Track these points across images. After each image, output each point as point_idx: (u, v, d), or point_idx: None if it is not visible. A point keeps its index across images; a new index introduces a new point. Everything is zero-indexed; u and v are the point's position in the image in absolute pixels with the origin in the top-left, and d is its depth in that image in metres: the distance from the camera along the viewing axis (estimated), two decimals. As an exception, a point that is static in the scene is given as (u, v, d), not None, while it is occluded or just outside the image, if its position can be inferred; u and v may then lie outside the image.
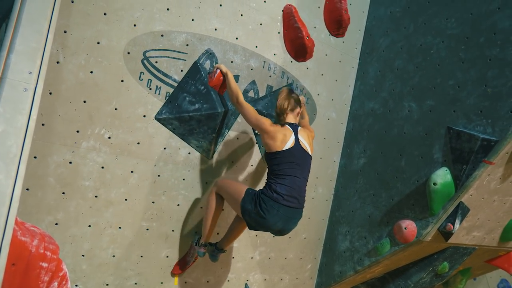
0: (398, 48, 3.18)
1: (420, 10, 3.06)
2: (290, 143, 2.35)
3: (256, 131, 2.91)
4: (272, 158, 2.36)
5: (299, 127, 2.47)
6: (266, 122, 2.35)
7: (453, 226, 2.68)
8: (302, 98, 2.72)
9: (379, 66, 3.32)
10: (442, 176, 2.63)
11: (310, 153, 2.45)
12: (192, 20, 2.60)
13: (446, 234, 2.75)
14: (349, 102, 3.51)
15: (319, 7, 3.20)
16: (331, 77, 3.35)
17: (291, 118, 2.46)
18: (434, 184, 2.63)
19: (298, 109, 2.50)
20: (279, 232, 2.39)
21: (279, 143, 2.33)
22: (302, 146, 2.39)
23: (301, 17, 3.02)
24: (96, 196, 2.40)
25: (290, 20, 2.97)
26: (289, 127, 2.40)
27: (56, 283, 1.85)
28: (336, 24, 3.24)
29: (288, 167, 2.32)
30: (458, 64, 2.70)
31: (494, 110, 2.44)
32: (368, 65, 3.43)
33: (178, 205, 2.70)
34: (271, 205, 2.24)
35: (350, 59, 3.46)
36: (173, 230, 2.71)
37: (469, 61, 2.63)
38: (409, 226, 2.78)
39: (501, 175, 2.65)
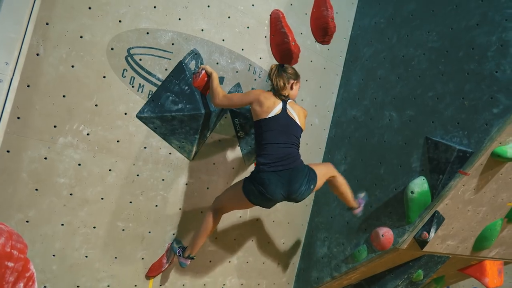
0: (381, 58, 3.24)
1: (403, 23, 3.14)
2: (276, 110, 2.38)
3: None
4: (257, 127, 2.41)
5: (290, 100, 2.49)
6: (253, 92, 2.43)
7: (429, 234, 2.73)
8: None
9: (362, 74, 3.38)
10: (419, 185, 2.68)
11: (298, 122, 2.44)
12: (179, 19, 2.57)
13: (421, 242, 2.80)
14: (332, 109, 3.55)
15: (306, 14, 3.24)
16: (315, 84, 3.38)
17: (284, 92, 2.48)
18: (412, 192, 2.68)
19: (292, 81, 2.52)
20: (292, 198, 2.33)
21: (265, 108, 2.36)
22: (289, 115, 2.41)
23: (288, 22, 3.05)
24: (71, 194, 2.32)
25: (277, 25, 2.99)
26: (277, 97, 2.44)
27: (21, 284, 1.76)
28: (322, 31, 3.28)
29: (269, 135, 2.34)
30: (437, 76, 2.78)
31: (470, 123, 2.52)
32: (352, 73, 3.48)
33: (156, 206, 2.65)
34: (261, 178, 2.27)
35: (335, 66, 3.51)
36: (149, 232, 2.66)
37: (448, 74, 2.71)
38: (386, 233, 2.82)
39: (475, 186, 2.73)
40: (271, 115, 2.37)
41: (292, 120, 2.42)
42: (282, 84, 2.47)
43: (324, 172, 2.54)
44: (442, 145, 2.62)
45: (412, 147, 2.83)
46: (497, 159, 2.56)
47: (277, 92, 2.47)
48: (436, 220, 2.76)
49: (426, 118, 2.78)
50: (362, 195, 2.86)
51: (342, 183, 2.64)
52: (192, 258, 2.58)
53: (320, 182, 2.44)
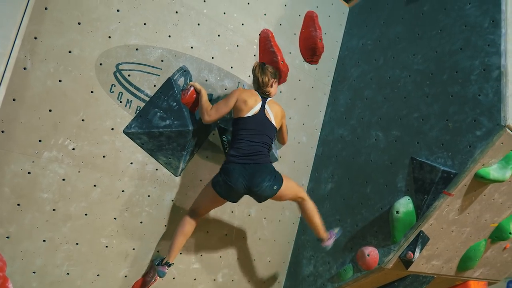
0: (368, 78, 3.31)
1: (389, 45, 3.21)
2: (255, 110, 2.53)
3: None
4: (235, 124, 2.56)
5: (269, 99, 2.63)
6: (235, 93, 2.56)
7: (414, 254, 2.74)
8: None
9: (349, 94, 3.43)
10: (404, 205, 2.71)
11: (274, 124, 2.59)
12: (169, 36, 2.60)
13: (406, 262, 2.81)
14: (320, 127, 3.58)
15: (295, 34, 3.30)
16: (303, 102, 3.42)
17: (264, 90, 2.64)
18: (397, 212, 2.70)
19: (272, 80, 2.65)
20: (253, 192, 2.42)
21: (246, 108, 2.51)
22: (266, 115, 2.56)
23: (277, 42, 3.10)
24: (54, 210, 2.29)
25: (266, 44, 3.03)
26: (259, 96, 2.59)
27: (0, 302, 1.73)
28: (311, 51, 3.34)
29: (245, 132, 2.49)
30: (423, 98, 2.83)
31: (454, 144, 2.57)
32: (339, 93, 3.53)
33: (141, 222, 2.62)
34: (227, 168, 2.44)
35: (323, 85, 3.56)
36: (133, 249, 2.62)
37: (433, 96, 2.77)
38: (371, 253, 2.82)
39: (459, 207, 2.77)
40: (249, 114, 2.52)
41: (267, 121, 2.56)
42: (266, 80, 2.60)
43: (294, 187, 2.63)
44: (427, 166, 2.65)
45: (398, 167, 2.86)
46: (480, 181, 2.60)
47: (261, 88, 2.62)
48: (421, 240, 2.77)
49: (412, 138, 2.82)
50: (336, 230, 2.88)
51: (311, 208, 2.69)
52: (170, 265, 2.54)
53: (287, 192, 2.55)
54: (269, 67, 2.68)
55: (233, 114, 2.59)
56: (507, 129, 2.36)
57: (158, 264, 2.57)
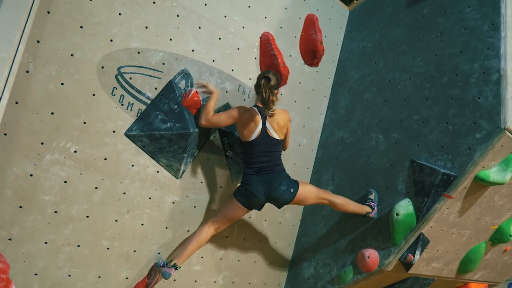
0: (368, 81, 3.32)
1: (390, 48, 3.23)
2: (256, 133, 2.59)
3: (226, 148, 2.94)
4: (243, 145, 2.67)
5: (271, 112, 2.59)
6: (235, 112, 2.60)
7: (414, 256, 2.75)
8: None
9: (350, 97, 3.45)
10: (404, 207, 2.72)
11: (278, 138, 2.64)
12: (170, 39, 2.62)
13: (406, 264, 2.82)
14: (320, 130, 3.60)
15: (295, 37, 3.32)
16: (303, 105, 3.43)
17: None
18: (397, 214, 2.71)
19: (276, 91, 2.62)
20: (273, 197, 2.60)
21: (248, 131, 2.59)
22: (269, 133, 2.61)
23: (277, 45, 3.12)
24: (55, 212, 2.30)
25: (267, 47, 3.05)
26: (258, 114, 2.59)
27: (3, 304, 1.74)
28: (311, 54, 3.36)
29: (253, 154, 2.61)
30: (422, 100, 2.85)
31: (454, 147, 2.58)
32: (340, 95, 3.55)
33: (142, 224, 2.63)
34: (247, 179, 2.61)
35: (323, 88, 3.58)
36: (134, 251, 2.63)
37: (433, 98, 2.79)
38: (372, 255, 2.83)
39: (459, 209, 2.77)
40: (252, 138, 2.59)
41: (271, 138, 2.62)
42: (274, 99, 2.54)
43: (313, 190, 2.75)
44: (427, 168, 2.66)
45: (398, 170, 2.87)
46: (480, 183, 2.61)
47: (266, 105, 2.56)
48: (421, 242, 2.78)
49: (412, 141, 2.84)
50: (372, 196, 2.94)
51: (341, 204, 2.81)
52: (177, 268, 2.55)
53: (307, 195, 2.69)
54: (271, 79, 2.58)
55: (240, 136, 2.66)
56: (507, 132, 2.37)
57: (162, 265, 2.56)
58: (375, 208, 2.88)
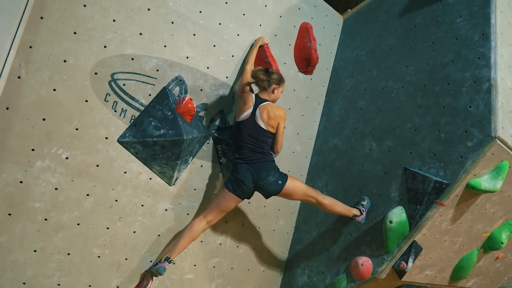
0: (362, 89, 3.34)
1: (383, 56, 3.26)
2: (245, 115, 2.67)
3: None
4: (235, 126, 2.75)
5: (263, 104, 2.67)
6: (243, 89, 2.81)
7: (407, 264, 2.75)
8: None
9: (343, 104, 3.47)
10: (397, 215, 2.72)
11: (264, 127, 2.65)
12: (165, 46, 2.61)
13: (400, 272, 2.82)
14: (314, 137, 3.61)
15: (290, 45, 3.34)
16: (298, 112, 3.44)
17: (264, 94, 2.73)
18: (390, 222, 2.71)
19: (274, 86, 2.74)
20: (260, 186, 2.62)
21: (242, 109, 2.69)
22: (256, 120, 2.65)
23: (272, 52, 3.13)
24: (46, 219, 2.26)
25: (261, 54, 3.06)
26: (253, 100, 2.69)
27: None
28: (305, 62, 3.38)
29: (241, 138, 2.68)
30: (415, 109, 2.87)
31: (446, 155, 2.60)
32: (334, 103, 3.57)
33: (134, 232, 2.60)
34: (235, 167, 2.67)
35: (317, 96, 3.59)
36: (126, 259, 2.59)
37: (425, 107, 2.81)
38: (365, 262, 2.83)
39: (451, 217, 2.79)
40: (241, 118, 2.69)
41: (257, 125, 2.65)
42: (262, 77, 2.69)
43: (302, 186, 2.76)
44: (420, 176, 2.68)
45: (391, 177, 2.88)
46: (472, 191, 2.63)
47: (260, 88, 2.74)
48: (414, 250, 2.78)
49: (405, 149, 2.85)
50: (364, 202, 2.95)
51: (328, 205, 2.80)
52: (170, 261, 2.51)
53: (295, 190, 2.69)
54: (273, 73, 2.74)
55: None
56: (498, 140, 2.40)
57: (157, 263, 2.48)
58: (364, 213, 2.89)
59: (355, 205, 2.93)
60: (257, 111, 2.66)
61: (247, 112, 2.67)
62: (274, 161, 2.72)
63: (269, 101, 2.72)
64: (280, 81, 2.77)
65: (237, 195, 2.66)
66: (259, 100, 2.70)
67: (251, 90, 2.84)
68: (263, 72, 2.72)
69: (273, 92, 2.75)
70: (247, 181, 2.62)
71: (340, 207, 2.83)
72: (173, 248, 2.56)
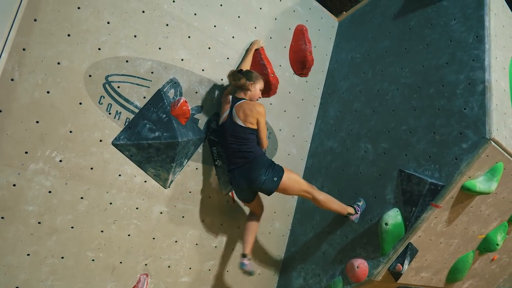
0: (357, 91, 3.35)
1: (378, 58, 3.27)
2: (224, 117, 2.72)
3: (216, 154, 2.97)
4: (218, 131, 2.83)
5: (239, 102, 2.69)
6: (225, 92, 2.86)
7: (402, 266, 2.75)
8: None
9: (339, 107, 3.47)
10: (393, 217, 2.72)
11: (242, 124, 2.64)
12: (159, 48, 2.61)
13: (395, 274, 2.81)
14: (310, 139, 3.60)
15: (285, 47, 3.34)
16: (293, 114, 3.44)
17: (240, 94, 2.74)
18: (386, 224, 2.71)
19: (249, 83, 2.72)
20: (255, 186, 2.63)
21: (221, 115, 2.76)
22: (234, 120, 2.66)
23: (267, 55, 3.13)
24: (39, 223, 2.25)
25: (256, 57, 3.06)
26: (231, 101, 2.73)
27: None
28: (301, 64, 3.38)
29: (224, 140, 2.72)
30: (410, 111, 2.88)
31: (441, 157, 2.60)
32: (329, 105, 3.57)
33: (128, 235, 2.58)
34: (230, 177, 2.78)
35: (312, 98, 3.60)
36: (121, 262, 2.57)
37: (420, 109, 2.82)
38: (361, 265, 2.82)
39: (447, 219, 2.79)
40: (221, 121, 2.75)
41: (236, 125, 2.65)
42: (239, 80, 2.69)
43: (298, 180, 2.75)
44: (415, 178, 2.68)
45: (387, 179, 2.88)
46: (467, 193, 2.64)
47: (234, 90, 2.78)
48: (410, 252, 2.78)
49: (400, 151, 2.86)
50: (360, 202, 2.96)
51: (323, 201, 2.80)
52: (245, 256, 2.75)
53: (292, 184, 2.68)
54: (247, 71, 2.78)
55: None
56: (492, 142, 2.41)
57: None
58: (359, 212, 2.90)
59: (350, 205, 2.93)
60: (234, 110, 2.67)
61: (226, 114, 2.71)
62: (264, 154, 2.68)
63: (245, 99, 2.72)
64: (253, 77, 2.74)
65: (244, 200, 2.82)
66: (235, 100, 2.72)
67: (232, 93, 2.84)
68: (233, 72, 2.73)
69: (249, 90, 2.73)
70: (243, 187, 2.68)
71: (335, 205, 2.84)
72: (243, 244, 2.83)
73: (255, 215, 2.92)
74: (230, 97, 2.76)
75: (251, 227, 2.86)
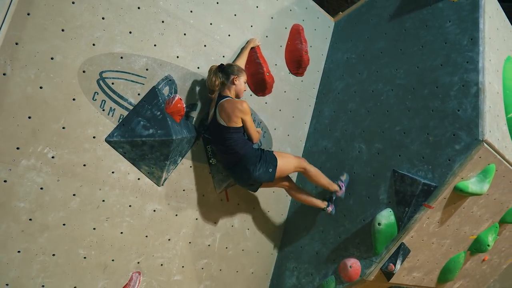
0: (352, 92, 3.36)
1: (373, 59, 3.28)
2: (210, 116, 2.72)
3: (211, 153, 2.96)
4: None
5: (221, 101, 2.60)
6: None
7: (395, 266, 2.77)
8: (259, 130, 2.85)
9: (334, 107, 3.48)
10: (386, 217, 2.73)
11: (224, 124, 2.57)
12: (155, 45, 2.59)
13: (388, 274, 2.83)
14: (304, 139, 3.61)
15: (281, 46, 3.34)
16: (288, 113, 3.44)
17: (225, 91, 2.66)
18: (379, 224, 2.72)
19: (232, 77, 2.64)
20: (253, 182, 2.71)
21: (209, 114, 2.75)
22: (217, 119, 2.61)
23: (263, 53, 3.12)
24: (30, 219, 2.22)
25: (252, 55, 3.05)
26: (215, 101, 2.66)
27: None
28: (296, 63, 3.38)
29: (214, 140, 2.74)
30: (404, 112, 2.89)
31: (434, 158, 2.62)
32: (324, 105, 3.57)
33: (121, 233, 2.57)
34: (230, 174, 2.84)
35: (308, 97, 3.60)
36: (113, 260, 2.55)
37: (414, 110, 2.83)
38: (354, 264, 2.83)
39: (439, 219, 2.81)
40: (209, 120, 2.73)
41: (218, 125, 2.60)
42: (213, 82, 2.63)
43: (291, 160, 2.80)
44: (408, 178, 2.70)
45: (380, 179, 2.89)
46: (459, 194, 2.66)
47: (211, 91, 2.74)
48: (402, 252, 2.80)
49: (394, 151, 2.87)
50: (343, 177, 3.05)
51: (314, 174, 2.88)
52: (326, 207, 3.02)
53: (287, 167, 2.75)
54: (230, 66, 2.68)
55: None
56: (485, 143, 2.43)
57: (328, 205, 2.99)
58: (343, 188, 2.99)
59: (334, 181, 3.00)
60: (217, 109, 2.60)
61: (211, 112, 2.69)
62: (251, 150, 2.62)
63: (229, 97, 2.62)
64: (235, 70, 2.65)
65: (255, 190, 2.88)
66: (219, 98, 2.63)
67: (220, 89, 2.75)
68: (214, 70, 2.65)
69: (233, 83, 2.63)
70: (243, 183, 2.78)
71: (323, 180, 2.92)
72: (316, 206, 3.00)
73: (291, 188, 3.00)
74: (217, 94, 2.69)
75: (302, 198, 2.99)
